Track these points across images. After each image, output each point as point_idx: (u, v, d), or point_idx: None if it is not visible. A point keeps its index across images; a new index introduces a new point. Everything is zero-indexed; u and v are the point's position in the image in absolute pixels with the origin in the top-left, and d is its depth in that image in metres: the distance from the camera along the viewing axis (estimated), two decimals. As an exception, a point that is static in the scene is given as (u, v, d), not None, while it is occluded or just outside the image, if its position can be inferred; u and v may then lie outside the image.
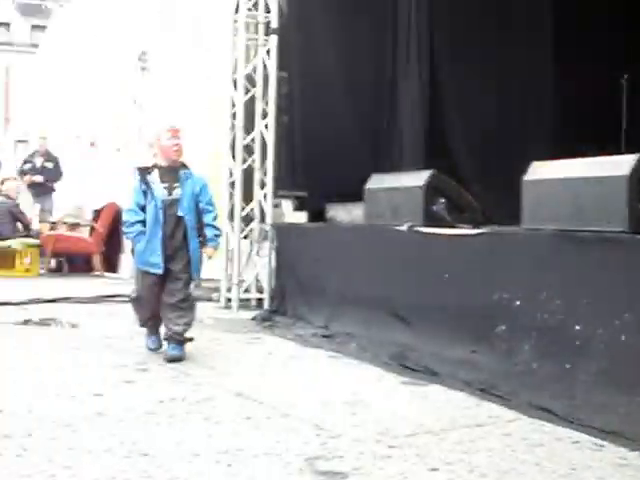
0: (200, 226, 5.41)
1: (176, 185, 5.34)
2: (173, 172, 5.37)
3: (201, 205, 5.40)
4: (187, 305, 5.45)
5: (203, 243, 5.42)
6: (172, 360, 5.32)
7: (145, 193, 5.32)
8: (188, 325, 5.45)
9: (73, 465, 3.16)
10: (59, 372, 4.92)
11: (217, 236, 5.51)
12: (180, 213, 5.31)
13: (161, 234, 5.28)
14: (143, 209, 5.32)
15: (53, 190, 14.33)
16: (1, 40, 68.31)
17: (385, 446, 3.51)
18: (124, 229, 5.52)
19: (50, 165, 14.12)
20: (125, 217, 5.48)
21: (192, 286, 5.48)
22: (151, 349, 5.58)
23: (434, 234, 5.51)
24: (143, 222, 5.31)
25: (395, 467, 3.23)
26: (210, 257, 5.51)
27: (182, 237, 5.34)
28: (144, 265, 5.36)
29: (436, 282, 5.42)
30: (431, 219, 5.83)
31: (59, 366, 5.10)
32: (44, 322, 6.99)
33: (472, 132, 8.78)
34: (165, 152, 5.35)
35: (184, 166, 5.44)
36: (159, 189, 5.30)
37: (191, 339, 5.50)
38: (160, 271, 5.28)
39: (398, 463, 3.29)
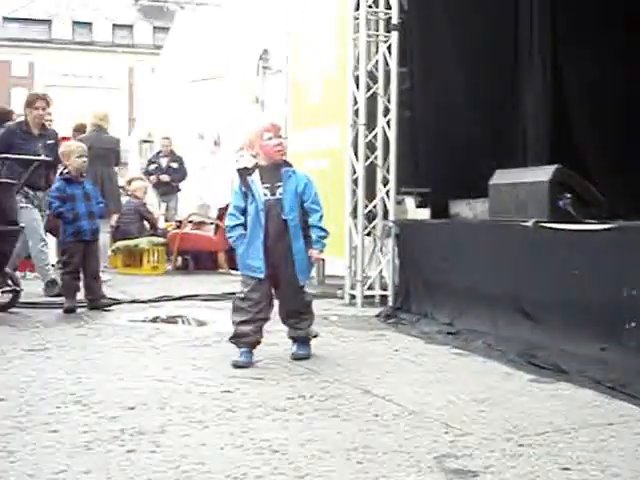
0: (306, 226, 5.22)
1: (278, 185, 5.14)
2: (275, 171, 5.17)
3: (306, 205, 5.19)
4: (306, 309, 5.36)
5: (310, 244, 5.24)
6: (298, 359, 5.30)
7: (246, 195, 5.16)
8: (310, 325, 5.40)
9: (206, 461, 3.21)
10: (189, 369, 5.02)
11: (322, 237, 5.24)
12: (283, 213, 5.12)
13: (263, 236, 5.10)
14: (244, 212, 5.17)
15: (178, 189, 14.69)
16: (125, 42, 70.49)
17: (515, 444, 3.47)
18: (226, 234, 5.40)
19: (175, 165, 14.49)
20: (226, 222, 5.38)
21: (306, 288, 5.36)
22: (237, 365, 5.10)
23: (561, 229, 5.39)
24: (244, 225, 5.17)
25: (526, 466, 3.19)
26: (315, 260, 5.36)
27: (287, 238, 5.14)
28: (246, 269, 5.19)
29: (563, 278, 5.30)
30: (557, 214, 5.72)
31: (188, 363, 5.20)
32: (172, 319, 7.17)
33: (598, 126, 8.57)
34: (267, 152, 5.15)
35: (287, 164, 5.27)
36: (260, 190, 5.11)
37: (316, 335, 5.48)
38: (262, 275, 5.10)
39: (529, 462, 3.24)
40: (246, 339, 5.16)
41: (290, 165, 5.28)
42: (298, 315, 5.32)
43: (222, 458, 3.27)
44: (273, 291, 5.28)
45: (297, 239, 5.16)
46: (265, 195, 5.12)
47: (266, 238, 5.11)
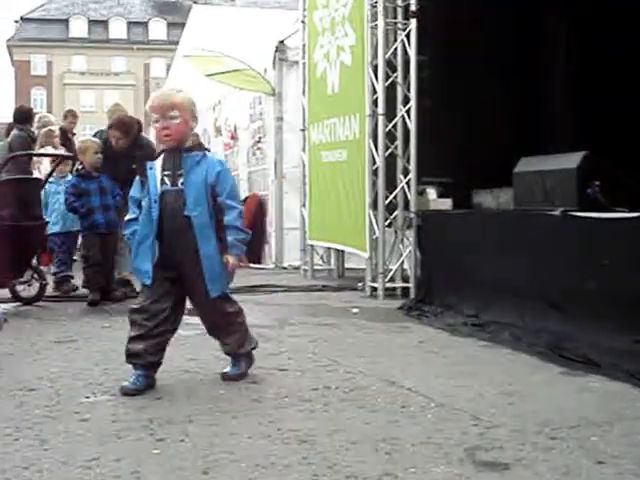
0: (220, 225, 4.27)
1: (180, 172, 4.23)
2: (179, 156, 4.26)
3: (219, 199, 4.23)
4: (228, 322, 4.49)
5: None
6: (226, 379, 4.45)
7: (143, 184, 4.30)
8: (241, 340, 4.51)
9: (234, 450, 3.21)
10: (213, 360, 4.99)
11: (241, 241, 4.29)
12: (185, 209, 4.19)
13: (154, 235, 4.21)
14: (141, 205, 4.31)
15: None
16: (140, 39, 70.86)
17: (547, 438, 3.41)
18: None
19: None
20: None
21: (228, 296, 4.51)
22: (123, 392, 4.16)
23: (590, 218, 5.29)
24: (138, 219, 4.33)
25: (559, 459, 3.13)
26: (232, 268, 4.32)
27: (192, 239, 4.20)
28: (135, 272, 4.45)
29: (593, 269, 5.20)
30: (586, 203, 5.64)
31: (212, 354, 5.16)
32: (193, 312, 7.13)
33: (627, 112, 8.44)
34: (156, 136, 4.40)
35: (200, 147, 4.43)
36: (158, 178, 4.23)
37: (254, 347, 4.60)
38: (149, 281, 4.23)
39: (562, 455, 3.18)
40: (138, 360, 4.25)
41: (203, 149, 4.42)
42: (220, 330, 4.52)
43: (251, 447, 3.26)
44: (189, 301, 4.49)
45: (206, 241, 4.23)
46: (164, 185, 4.23)
47: (161, 237, 4.23)
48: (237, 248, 4.28)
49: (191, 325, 6.22)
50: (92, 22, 71.56)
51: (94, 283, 7.52)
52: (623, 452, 3.21)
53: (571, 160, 5.96)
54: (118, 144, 8.06)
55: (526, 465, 3.07)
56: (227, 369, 4.53)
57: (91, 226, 7.52)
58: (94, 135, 8.83)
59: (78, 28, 71.24)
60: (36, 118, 11.65)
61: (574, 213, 5.46)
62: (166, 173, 4.23)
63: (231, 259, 4.26)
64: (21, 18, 70.65)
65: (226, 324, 4.48)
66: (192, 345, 5.48)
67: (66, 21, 70.94)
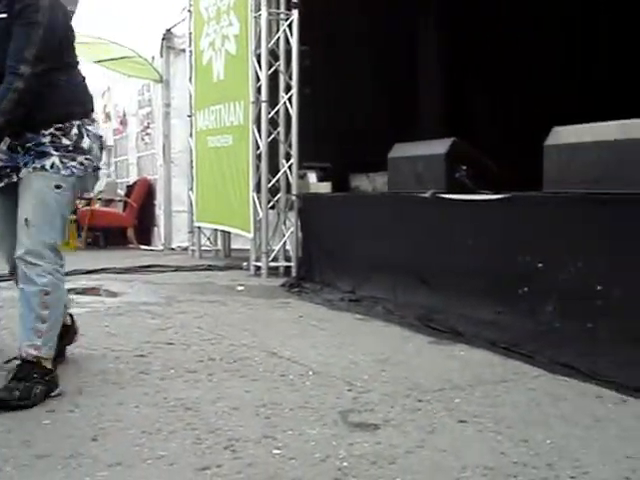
0: None
1: None
2: None
3: None
4: None
5: None
6: None
7: None
8: None
9: (122, 419, 3.35)
10: (103, 335, 5.13)
11: None
12: None
13: None
14: None
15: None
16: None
17: (414, 400, 3.64)
18: None
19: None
20: None
21: None
22: None
23: (457, 200, 5.59)
24: None
25: (425, 419, 3.36)
26: None
27: None
28: None
29: (460, 247, 5.50)
30: (454, 186, 5.90)
31: (103, 330, 5.32)
32: (85, 291, 7.21)
33: (493, 99, 8.80)
34: None
35: None
36: None
37: None
38: None
39: (428, 416, 3.41)
40: None
41: None
42: None
43: (138, 416, 3.41)
44: None
45: None
46: None
47: None
48: None
49: (81, 305, 6.34)
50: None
51: None
52: (483, 412, 3.46)
53: (441, 146, 6.20)
54: None
55: (395, 425, 3.28)
56: None
57: None
58: None
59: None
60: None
61: (443, 195, 5.77)
62: None
63: None
64: None
65: None
66: (83, 323, 5.51)
67: None
